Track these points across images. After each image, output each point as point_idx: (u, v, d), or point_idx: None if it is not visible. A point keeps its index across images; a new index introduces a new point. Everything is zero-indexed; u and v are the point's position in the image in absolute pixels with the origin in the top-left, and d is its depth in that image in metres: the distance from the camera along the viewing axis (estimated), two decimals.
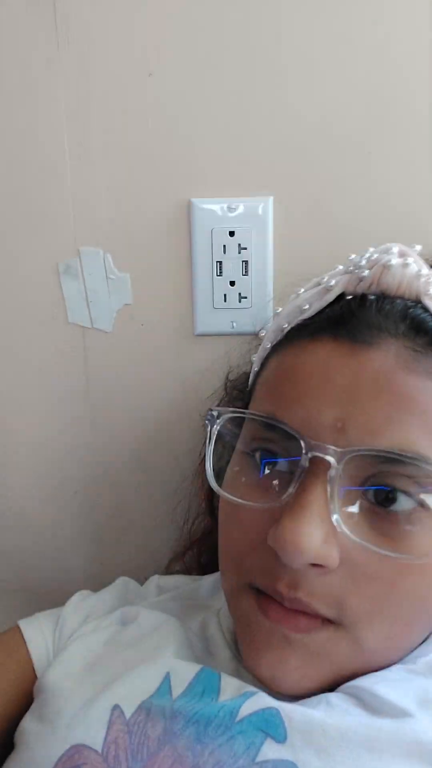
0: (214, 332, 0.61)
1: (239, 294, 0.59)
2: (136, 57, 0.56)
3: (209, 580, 0.55)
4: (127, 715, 0.39)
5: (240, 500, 0.40)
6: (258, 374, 0.47)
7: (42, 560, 0.69)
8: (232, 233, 0.58)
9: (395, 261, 0.42)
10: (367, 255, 0.44)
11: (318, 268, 0.55)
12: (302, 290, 0.47)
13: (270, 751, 0.35)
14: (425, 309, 0.40)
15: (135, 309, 0.61)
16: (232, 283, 0.59)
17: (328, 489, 0.37)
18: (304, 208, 0.58)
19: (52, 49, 0.56)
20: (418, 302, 0.41)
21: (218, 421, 0.43)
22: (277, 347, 0.45)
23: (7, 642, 0.50)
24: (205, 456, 0.43)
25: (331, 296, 0.43)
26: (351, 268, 0.43)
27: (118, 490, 0.66)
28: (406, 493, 0.37)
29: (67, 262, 0.60)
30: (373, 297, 0.41)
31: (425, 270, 0.42)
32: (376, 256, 0.43)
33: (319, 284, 0.45)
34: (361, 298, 0.42)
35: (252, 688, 0.39)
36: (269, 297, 0.59)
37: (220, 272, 0.59)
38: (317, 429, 0.38)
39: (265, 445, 0.41)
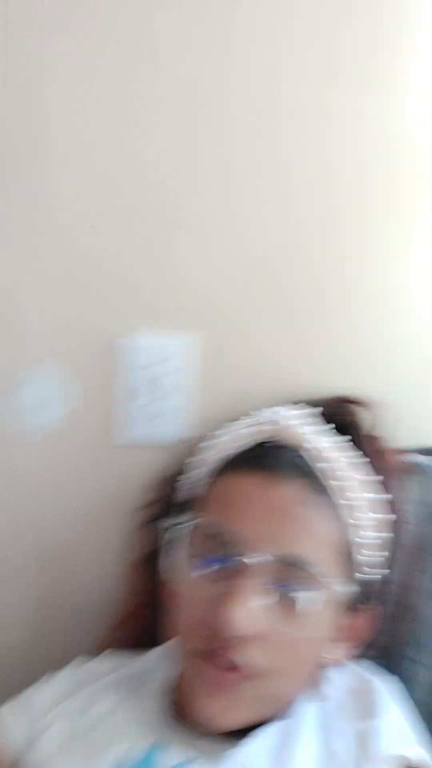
0: (134, 443, 0.73)
1: (154, 412, 0.72)
2: (65, 215, 0.69)
3: (150, 657, 0.67)
4: None
5: (188, 590, 0.55)
6: (196, 494, 0.62)
7: None
8: (149, 366, 0.71)
9: (282, 420, 0.60)
10: (266, 412, 0.61)
11: (221, 392, 0.72)
12: (221, 432, 0.63)
13: None
14: (303, 458, 0.57)
15: (65, 424, 0.72)
16: (148, 403, 0.72)
17: (251, 582, 0.52)
18: (213, 345, 0.72)
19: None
20: (299, 452, 0.58)
21: (171, 529, 0.58)
22: (210, 474, 0.61)
23: None
24: (158, 555, 0.59)
25: (241, 442, 0.60)
26: (256, 421, 0.61)
27: (60, 576, 0.76)
28: (299, 589, 0.53)
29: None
30: (270, 445, 0.58)
31: (307, 428, 0.60)
32: (270, 414, 0.61)
33: (232, 431, 0.62)
34: (264, 446, 0.59)
35: (180, 760, 0.53)
36: (180, 415, 0.73)
37: (140, 395, 0.72)
38: (246, 539, 0.53)
39: (204, 550, 0.55)
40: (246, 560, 0.52)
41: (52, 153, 0.68)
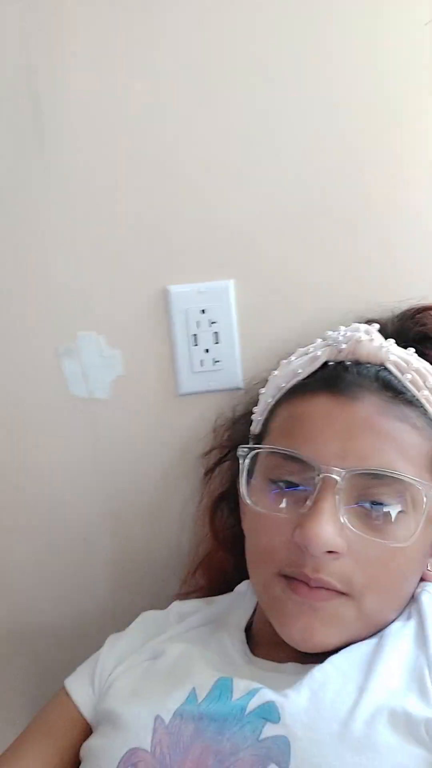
0: (195, 391, 0.73)
1: (213, 359, 0.72)
2: (113, 173, 0.68)
3: (222, 602, 0.68)
4: (166, 721, 0.52)
5: (269, 512, 0.55)
6: (266, 422, 0.62)
7: (58, 604, 0.79)
8: (203, 311, 0.71)
9: (364, 337, 0.58)
10: (342, 332, 0.60)
11: (275, 334, 0.71)
12: (293, 357, 0.62)
13: (269, 731, 0.49)
14: (389, 371, 0.57)
15: (126, 379, 0.73)
16: (207, 351, 0.72)
17: (336, 498, 0.52)
18: (259, 286, 0.72)
19: (41, 165, 0.68)
20: (383, 367, 0.57)
21: (249, 455, 0.58)
22: (281, 401, 0.60)
23: (59, 707, 0.62)
24: (238, 482, 0.59)
25: (318, 363, 0.59)
26: (330, 341, 0.60)
27: (135, 531, 0.78)
28: (388, 501, 0.53)
29: (66, 344, 0.72)
30: (349, 363, 0.58)
31: (385, 343, 0.58)
32: (349, 333, 0.59)
33: (306, 354, 0.61)
34: (342, 364, 0.58)
35: (256, 686, 0.52)
36: (238, 360, 0.73)
37: (196, 343, 0.72)
38: (325, 457, 0.53)
39: (282, 474, 0.56)
40: (330, 476, 0.52)
41: (74, 102, 0.67)
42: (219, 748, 0.48)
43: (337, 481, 0.52)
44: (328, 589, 0.52)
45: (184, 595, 0.72)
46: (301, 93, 0.68)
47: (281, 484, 0.56)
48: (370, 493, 0.53)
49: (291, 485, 0.55)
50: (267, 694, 0.51)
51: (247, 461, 0.58)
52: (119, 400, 0.74)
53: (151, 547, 0.78)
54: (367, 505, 0.53)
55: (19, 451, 0.74)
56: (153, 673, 0.59)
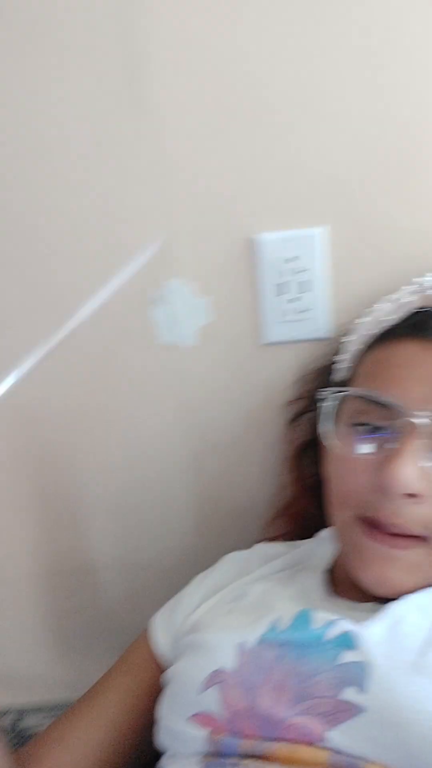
0: (281, 341, 0.74)
1: (300, 308, 0.72)
2: (204, 119, 0.68)
3: (304, 546, 0.69)
4: (249, 647, 0.54)
5: (352, 455, 0.55)
6: (351, 368, 0.62)
7: (145, 540, 0.83)
8: (291, 259, 0.70)
9: None
10: (430, 278, 0.59)
11: (364, 284, 0.70)
12: (381, 305, 0.62)
13: (347, 657, 0.50)
14: None
15: (213, 326, 0.74)
16: (294, 300, 0.72)
17: (420, 443, 0.52)
18: (351, 234, 0.70)
19: (135, 111, 0.67)
20: None
21: (330, 398, 0.58)
22: (367, 348, 0.60)
23: (139, 647, 0.66)
24: (316, 429, 0.60)
25: (406, 309, 0.58)
26: (418, 288, 0.59)
27: (218, 475, 0.80)
28: None
29: (155, 292, 0.73)
30: None
31: None
32: None
33: (394, 300, 0.60)
34: (430, 311, 0.57)
35: (335, 617, 0.54)
36: (325, 310, 0.72)
37: (283, 292, 0.71)
38: (410, 401, 0.53)
39: (365, 418, 0.56)
40: (412, 420, 0.52)
41: (163, 42, 0.65)
42: (299, 671, 0.51)
43: (421, 425, 0.51)
44: (405, 536, 0.53)
45: (268, 540, 0.74)
46: (405, 31, 0.65)
47: (365, 427, 0.56)
48: None
49: (375, 430, 0.55)
50: (345, 625, 0.52)
51: (329, 404, 0.58)
52: (206, 347, 0.75)
53: (234, 492, 0.81)
54: None
55: (109, 396, 0.77)
56: (237, 610, 0.61)
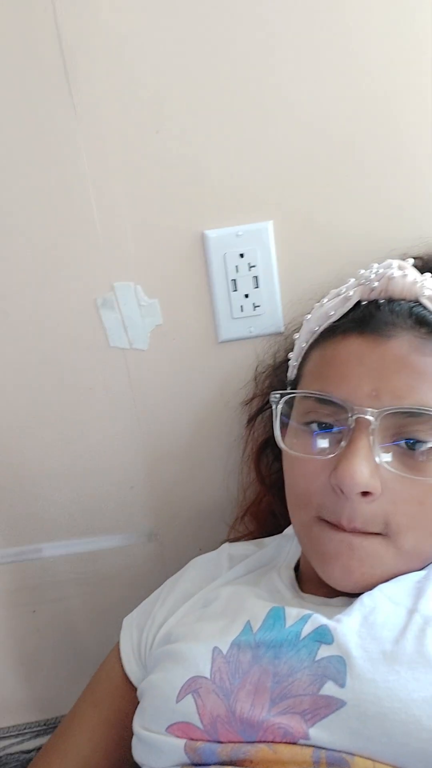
0: (235, 338, 0.73)
1: (253, 304, 0.71)
2: (144, 117, 0.66)
3: (271, 544, 0.69)
4: (224, 652, 0.53)
5: (305, 455, 0.55)
6: (300, 366, 0.61)
7: (105, 552, 0.80)
8: (242, 255, 0.70)
9: (396, 273, 0.56)
10: (374, 270, 0.58)
11: (315, 276, 0.69)
12: (325, 300, 0.61)
13: (324, 652, 0.50)
14: (424, 307, 0.55)
15: (165, 327, 0.73)
16: (246, 296, 0.71)
17: (371, 439, 0.51)
18: (299, 227, 0.70)
19: (70, 115, 0.65)
20: (417, 302, 0.55)
21: (281, 400, 0.58)
22: (314, 344, 0.59)
23: (107, 668, 0.66)
24: (272, 428, 0.58)
25: (350, 303, 0.57)
26: (362, 281, 0.58)
27: (177, 480, 0.79)
28: (424, 439, 0.52)
29: (104, 295, 0.71)
30: (383, 301, 0.56)
31: (419, 277, 0.56)
32: (381, 270, 0.57)
33: (338, 295, 0.59)
34: (375, 303, 0.56)
35: (307, 612, 0.53)
36: (278, 304, 0.72)
37: (235, 288, 0.71)
38: (358, 398, 0.52)
39: (316, 417, 0.55)
40: (363, 417, 0.51)
41: (99, 34, 0.64)
42: (276, 671, 0.50)
43: (370, 422, 0.51)
44: (364, 530, 0.52)
45: (234, 540, 0.73)
46: (348, 26, 0.65)
47: (315, 426, 0.55)
48: (406, 431, 0.52)
49: (325, 427, 0.55)
50: (319, 619, 0.52)
51: (280, 407, 0.58)
52: (159, 349, 0.73)
53: (196, 496, 0.79)
54: (403, 443, 0.52)
55: (62, 403, 0.75)
56: (208, 616, 0.60)
